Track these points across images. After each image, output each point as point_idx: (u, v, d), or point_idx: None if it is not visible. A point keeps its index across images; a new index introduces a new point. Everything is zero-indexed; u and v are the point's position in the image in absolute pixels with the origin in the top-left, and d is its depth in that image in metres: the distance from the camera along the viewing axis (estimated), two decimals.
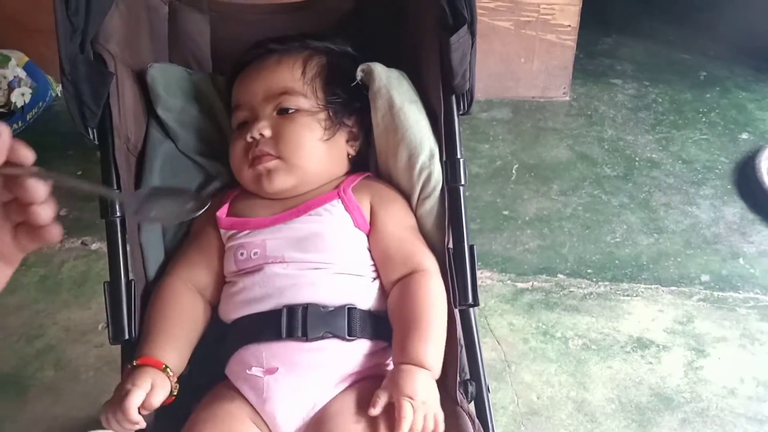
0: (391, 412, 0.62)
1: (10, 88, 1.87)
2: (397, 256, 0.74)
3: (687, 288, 1.39)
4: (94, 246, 1.45)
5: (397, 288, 0.73)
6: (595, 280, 1.42)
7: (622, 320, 1.32)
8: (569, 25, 1.93)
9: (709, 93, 2.06)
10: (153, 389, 0.65)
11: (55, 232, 0.51)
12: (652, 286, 1.40)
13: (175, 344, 0.70)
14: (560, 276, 1.43)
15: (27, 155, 0.50)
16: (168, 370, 0.67)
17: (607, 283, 1.41)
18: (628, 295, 1.38)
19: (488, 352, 1.25)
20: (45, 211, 0.50)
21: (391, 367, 0.71)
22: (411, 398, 0.62)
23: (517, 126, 1.93)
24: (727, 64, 2.20)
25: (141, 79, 0.82)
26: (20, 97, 1.88)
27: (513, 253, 1.48)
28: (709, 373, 1.21)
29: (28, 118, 1.90)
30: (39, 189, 0.49)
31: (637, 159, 1.78)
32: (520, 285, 1.40)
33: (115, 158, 0.73)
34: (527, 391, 1.18)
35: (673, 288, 1.40)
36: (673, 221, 1.57)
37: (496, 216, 1.59)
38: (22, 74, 1.92)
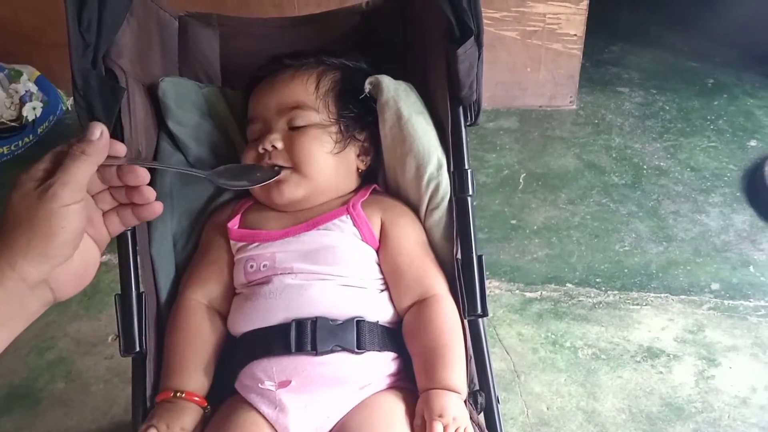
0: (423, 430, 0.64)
1: (22, 102, 1.90)
2: (408, 274, 0.74)
3: (697, 296, 1.39)
4: (104, 258, 1.45)
5: (411, 315, 0.73)
6: (604, 289, 1.41)
7: (631, 329, 1.32)
8: (575, 34, 1.94)
9: (717, 100, 2.06)
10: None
11: (159, 207, 0.61)
12: (662, 295, 1.39)
13: (205, 372, 0.71)
14: (569, 285, 1.42)
15: (121, 149, 0.61)
16: (207, 407, 0.70)
17: (616, 292, 1.41)
18: (637, 304, 1.37)
19: (497, 363, 1.24)
20: (150, 191, 0.60)
21: (399, 377, 0.72)
22: (441, 416, 0.63)
23: (524, 135, 1.93)
24: (735, 71, 2.20)
25: (151, 93, 0.82)
26: (31, 111, 1.90)
27: (521, 263, 1.48)
28: (720, 382, 1.21)
29: (39, 132, 1.92)
30: (145, 173, 0.60)
31: (644, 167, 1.78)
32: (528, 294, 1.40)
33: None
34: (537, 402, 1.18)
35: (683, 297, 1.39)
36: (682, 229, 1.57)
37: (503, 225, 1.59)
38: (34, 88, 1.94)
